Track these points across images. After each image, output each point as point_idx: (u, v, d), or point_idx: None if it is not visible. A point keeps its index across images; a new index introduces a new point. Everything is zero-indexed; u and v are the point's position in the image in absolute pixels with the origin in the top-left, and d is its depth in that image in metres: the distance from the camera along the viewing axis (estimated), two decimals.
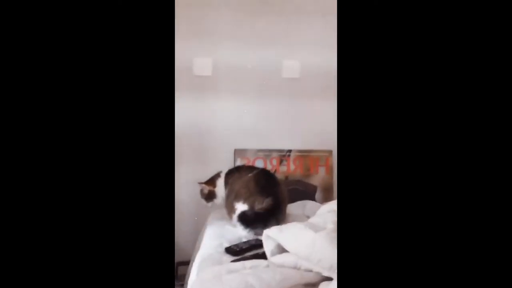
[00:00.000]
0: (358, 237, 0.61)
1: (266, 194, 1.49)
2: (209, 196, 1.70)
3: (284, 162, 2.12)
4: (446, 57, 0.60)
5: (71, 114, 0.62)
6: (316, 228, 1.12)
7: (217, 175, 1.74)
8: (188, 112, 2.04)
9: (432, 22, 0.60)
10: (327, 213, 1.31)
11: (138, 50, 0.66)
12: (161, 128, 0.67)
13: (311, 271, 1.05)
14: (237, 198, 1.53)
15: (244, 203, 1.50)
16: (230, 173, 1.70)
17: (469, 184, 0.57)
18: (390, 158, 0.60)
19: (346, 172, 0.62)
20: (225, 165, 2.09)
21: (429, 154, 0.59)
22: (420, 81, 0.60)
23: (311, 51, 2.06)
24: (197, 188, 1.73)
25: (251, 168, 1.70)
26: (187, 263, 1.68)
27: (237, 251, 1.27)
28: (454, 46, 0.59)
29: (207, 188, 1.71)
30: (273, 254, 1.14)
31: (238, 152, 2.09)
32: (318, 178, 2.13)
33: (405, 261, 0.59)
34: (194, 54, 2.02)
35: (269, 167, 2.07)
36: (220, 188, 1.68)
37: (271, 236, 1.16)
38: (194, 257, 1.39)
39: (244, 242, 1.34)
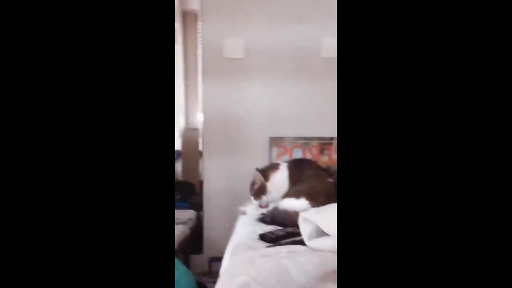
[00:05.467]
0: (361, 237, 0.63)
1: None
2: (259, 192, 1.59)
3: (326, 151, 2.14)
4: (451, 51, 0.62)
5: (64, 114, 0.65)
6: None
7: (274, 167, 1.62)
8: (218, 98, 2.11)
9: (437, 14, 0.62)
10: None
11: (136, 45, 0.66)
12: (160, 132, 0.66)
13: None
14: (306, 196, 1.49)
15: (308, 201, 1.47)
16: (302, 164, 1.63)
17: (474, 181, 0.60)
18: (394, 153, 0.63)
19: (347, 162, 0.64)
20: (260, 156, 2.15)
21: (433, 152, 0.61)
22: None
23: None
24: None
25: (326, 171, 1.61)
26: (220, 259, 1.73)
27: (272, 238, 1.29)
28: (459, 33, 0.62)
29: (260, 180, 1.59)
30: (311, 238, 1.15)
31: (273, 141, 2.13)
32: None
33: (409, 258, 0.61)
34: (224, 35, 2.08)
35: (308, 157, 2.10)
36: (274, 183, 1.58)
37: (308, 218, 1.18)
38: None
39: (280, 229, 1.37)
